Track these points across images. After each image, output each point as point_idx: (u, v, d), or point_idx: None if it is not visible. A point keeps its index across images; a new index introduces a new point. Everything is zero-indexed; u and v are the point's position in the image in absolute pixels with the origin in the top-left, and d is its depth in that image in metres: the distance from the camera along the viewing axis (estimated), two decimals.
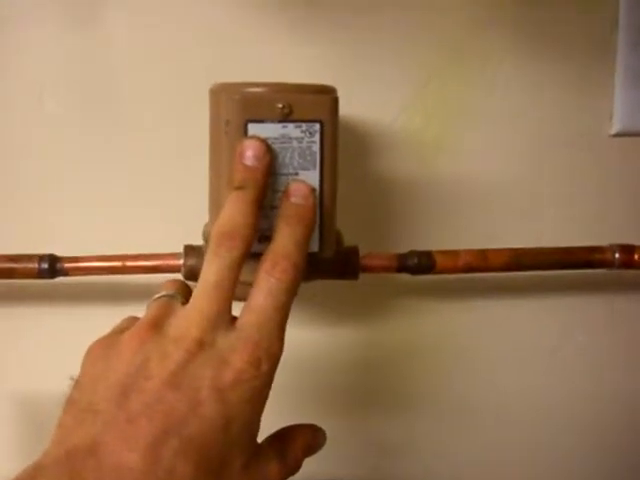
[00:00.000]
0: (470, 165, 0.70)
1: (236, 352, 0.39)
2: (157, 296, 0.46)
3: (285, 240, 0.45)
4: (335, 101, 0.52)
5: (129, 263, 0.60)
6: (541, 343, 0.74)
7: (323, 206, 0.52)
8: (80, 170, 0.66)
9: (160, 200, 0.66)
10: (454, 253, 0.61)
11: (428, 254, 0.60)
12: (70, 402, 0.39)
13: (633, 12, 0.71)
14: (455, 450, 0.75)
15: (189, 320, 0.41)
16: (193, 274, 0.59)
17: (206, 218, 0.55)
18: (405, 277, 0.62)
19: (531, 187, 0.71)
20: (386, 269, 0.60)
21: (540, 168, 0.71)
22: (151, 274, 0.60)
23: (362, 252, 0.60)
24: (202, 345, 0.39)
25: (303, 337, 0.68)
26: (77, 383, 0.40)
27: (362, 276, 0.60)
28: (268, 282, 0.43)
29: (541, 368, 0.75)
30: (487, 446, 0.75)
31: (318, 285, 0.58)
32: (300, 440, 0.45)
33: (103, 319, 0.45)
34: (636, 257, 0.64)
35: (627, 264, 0.64)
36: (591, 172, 0.73)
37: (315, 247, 0.51)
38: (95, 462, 0.35)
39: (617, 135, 0.73)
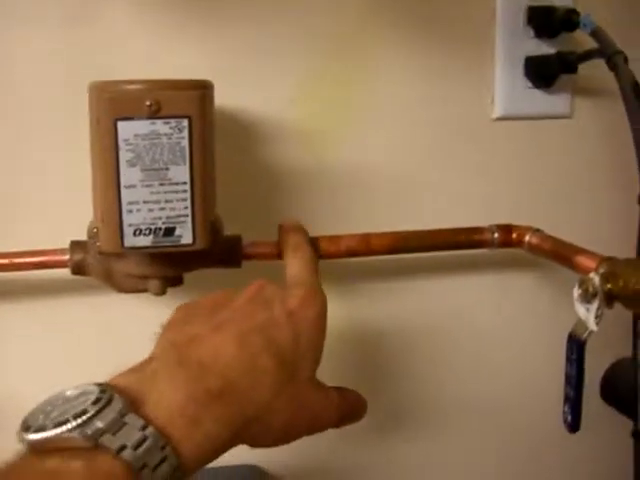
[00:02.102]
0: (355, 154, 0.72)
1: (297, 288, 0.51)
2: None
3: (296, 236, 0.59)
4: (203, 96, 0.54)
5: (16, 260, 0.61)
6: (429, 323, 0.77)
7: (194, 200, 0.53)
8: None
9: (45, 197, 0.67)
10: (337, 238, 0.63)
11: (314, 240, 0.62)
12: (165, 326, 0.48)
13: (510, 1, 0.74)
14: None
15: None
16: (80, 269, 0.60)
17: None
18: None
19: (416, 173, 0.74)
20: (270, 256, 0.61)
21: (424, 154, 0.74)
22: (39, 270, 0.61)
23: (248, 240, 0.62)
24: (270, 282, 0.51)
25: None
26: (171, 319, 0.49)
27: (253, 263, 0.62)
28: (296, 257, 0.56)
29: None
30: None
31: (200, 274, 0.60)
32: (354, 394, 0.54)
33: None
34: (514, 236, 0.67)
35: (506, 243, 0.68)
36: (475, 156, 0.76)
37: (188, 239, 0.53)
38: (196, 346, 0.44)
39: (499, 119, 0.76)
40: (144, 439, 0.38)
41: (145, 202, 0.52)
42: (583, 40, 0.72)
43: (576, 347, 0.55)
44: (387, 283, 0.74)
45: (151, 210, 0.53)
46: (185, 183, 0.53)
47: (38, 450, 0.37)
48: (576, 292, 0.53)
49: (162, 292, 0.59)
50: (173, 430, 0.40)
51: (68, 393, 0.40)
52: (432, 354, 0.78)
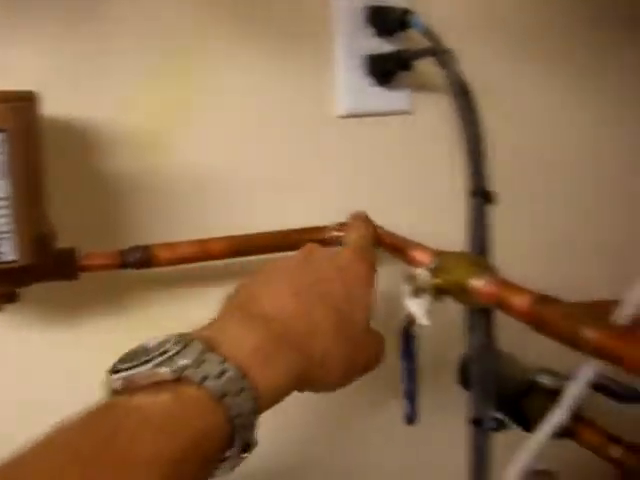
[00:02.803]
0: (195, 156, 0.71)
1: (346, 249, 0.59)
2: None
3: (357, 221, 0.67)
4: (21, 109, 0.52)
5: None
6: None
7: (17, 215, 0.52)
8: None
9: None
10: (174, 245, 0.63)
11: (148, 248, 0.62)
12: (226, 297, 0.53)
13: (349, 0, 0.76)
14: None
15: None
16: None
17: None
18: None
19: (259, 173, 0.74)
20: (108, 267, 0.61)
21: (268, 154, 0.74)
22: None
23: (85, 251, 0.61)
24: (319, 246, 0.59)
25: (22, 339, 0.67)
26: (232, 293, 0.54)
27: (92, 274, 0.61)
28: (352, 230, 0.64)
29: None
30: None
31: (39, 288, 0.59)
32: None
33: None
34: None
35: None
36: (320, 153, 0.77)
37: (12, 255, 0.52)
38: (256, 302, 0.50)
39: (342, 117, 0.77)
40: (224, 371, 0.42)
41: None
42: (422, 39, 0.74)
43: (407, 341, 0.57)
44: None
45: None
46: (6, 199, 0.51)
47: (126, 390, 0.41)
48: (405, 287, 0.55)
49: None
50: (249, 365, 0.43)
51: (150, 344, 0.44)
52: None
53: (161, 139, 0.70)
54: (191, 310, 0.71)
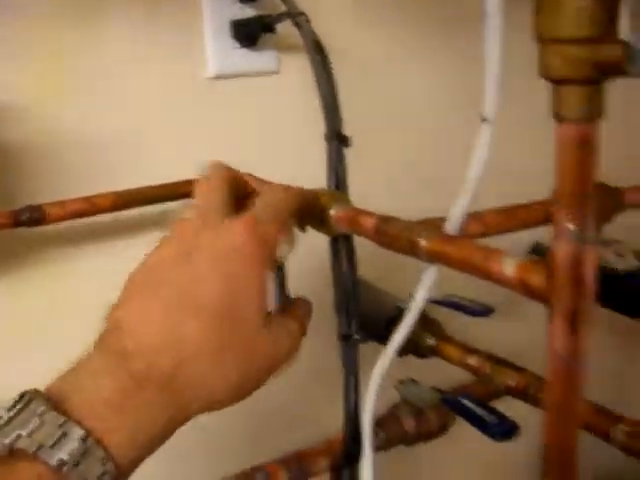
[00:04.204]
0: (77, 123, 0.76)
1: (235, 225, 0.46)
2: None
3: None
4: None
5: None
6: None
7: None
8: None
9: None
10: (64, 203, 0.68)
11: (39, 207, 0.67)
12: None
13: None
14: None
15: None
16: None
17: None
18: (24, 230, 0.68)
19: (138, 133, 0.80)
20: (1, 226, 0.65)
21: (145, 115, 0.80)
22: None
23: None
24: (195, 221, 0.47)
25: None
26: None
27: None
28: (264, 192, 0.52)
29: None
30: None
31: None
32: (302, 308, 0.53)
33: None
34: None
35: None
36: (193, 112, 0.83)
37: None
38: (119, 332, 0.43)
39: (212, 78, 0.84)
40: (64, 434, 0.36)
41: None
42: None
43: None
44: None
45: None
46: None
47: None
48: None
49: None
50: (95, 422, 0.38)
51: None
52: None
53: (49, 105, 0.74)
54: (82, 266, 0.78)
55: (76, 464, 0.36)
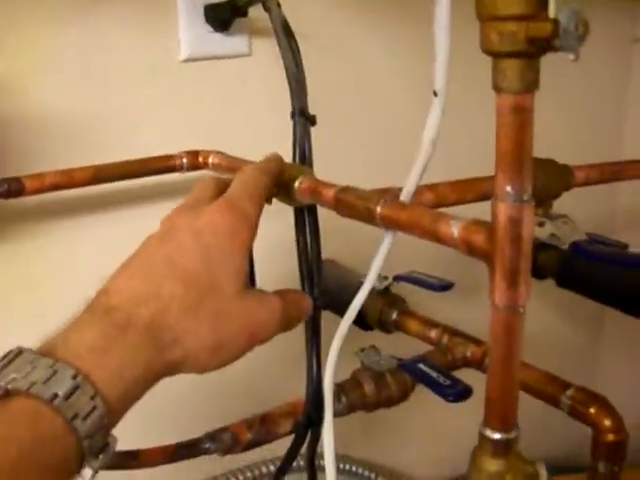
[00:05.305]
0: (55, 100, 0.80)
1: (213, 204, 0.51)
2: None
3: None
4: None
5: None
6: None
7: None
8: None
9: None
10: (42, 175, 0.71)
11: (17, 179, 0.69)
12: None
13: None
14: None
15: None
16: None
17: None
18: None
19: (114, 113, 0.83)
20: None
21: (122, 96, 0.84)
22: None
23: None
24: (180, 209, 0.53)
25: None
26: None
27: None
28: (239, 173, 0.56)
29: None
30: None
31: None
32: (295, 293, 0.56)
33: None
34: (200, 159, 0.79)
35: (195, 166, 0.79)
36: (167, 94, 0.86)
37: None
38: (105, 292, 0.47)
39: (185, 61, 0.87)
40: (54, 373, 0.40)
41: None
42: None
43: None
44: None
45: None
46: None
47: None
48: None
49: None
50: (82, 362, 0.41)
51: None
52: None
53: (29, 83, 0.77)
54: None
55: (67, 398, 0.39)
